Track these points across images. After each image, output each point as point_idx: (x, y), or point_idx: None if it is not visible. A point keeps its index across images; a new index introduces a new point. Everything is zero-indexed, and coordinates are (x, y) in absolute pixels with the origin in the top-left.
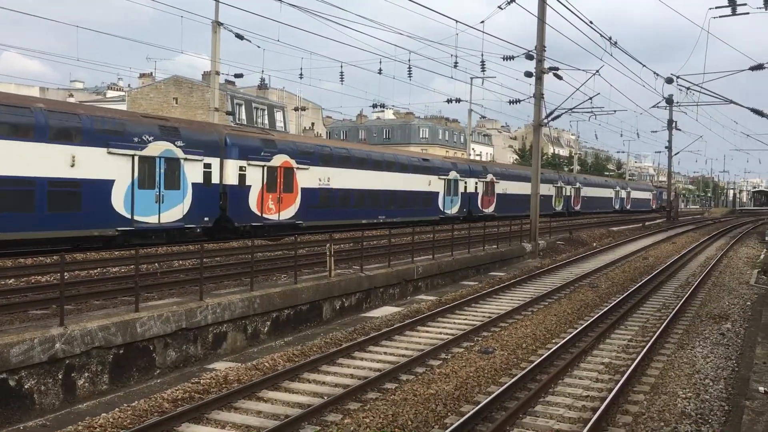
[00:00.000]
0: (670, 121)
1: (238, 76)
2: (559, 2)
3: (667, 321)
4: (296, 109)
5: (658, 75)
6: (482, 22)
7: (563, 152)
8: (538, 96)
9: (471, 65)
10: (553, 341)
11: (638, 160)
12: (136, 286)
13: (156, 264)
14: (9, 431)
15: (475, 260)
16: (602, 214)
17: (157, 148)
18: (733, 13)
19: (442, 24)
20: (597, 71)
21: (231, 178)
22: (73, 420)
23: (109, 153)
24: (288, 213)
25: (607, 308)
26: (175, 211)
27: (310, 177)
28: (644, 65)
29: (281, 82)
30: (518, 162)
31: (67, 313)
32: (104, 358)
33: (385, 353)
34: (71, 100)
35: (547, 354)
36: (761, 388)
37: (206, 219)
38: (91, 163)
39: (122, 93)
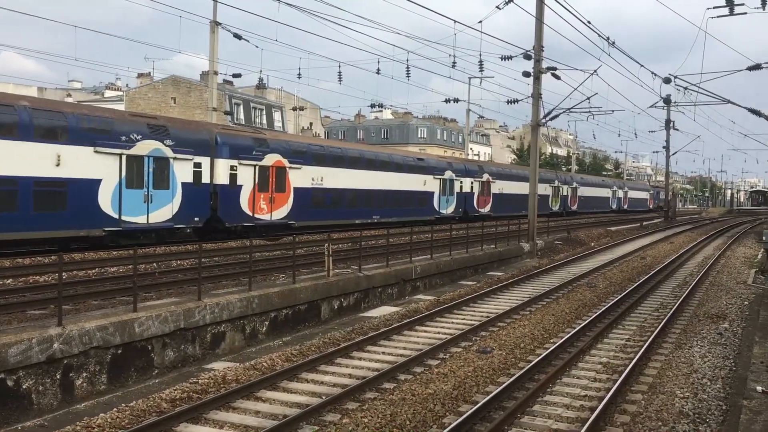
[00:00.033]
0: (668, 121)
1: (237, 75)
2: (557, 2)
3: (664, 321)
4: (294, 109)
5: (655, 75)
6: (480, 22)
7: (561, 152)
8: (536, 96)
9: (469, 65)
10: (551, 341)
11: (636, 160)
12: (135, 286)
13: (154, 264)
14: (7, 431)
15: (474, 260)
16: (600, 213)
17: (145, 147)
18: (731, 13)
19: (440, 24)
20: (595, 71)
21: (222, 178)
22: (71, 420)
23: (96, 152)
24: (280, 213)
25: (605, 308)
26: (164, 211)
27: (302, 176)
28: (642, 65)
29: (279, 82)
30: (516, 162)
31: (65, 313)
32: (102, 358)
33: (383, 353)
34: (69, 99)
35: (545, 354)
36: (759, 388)
37: (196, 219)
38: (77, 162)
39: (120, 93)
